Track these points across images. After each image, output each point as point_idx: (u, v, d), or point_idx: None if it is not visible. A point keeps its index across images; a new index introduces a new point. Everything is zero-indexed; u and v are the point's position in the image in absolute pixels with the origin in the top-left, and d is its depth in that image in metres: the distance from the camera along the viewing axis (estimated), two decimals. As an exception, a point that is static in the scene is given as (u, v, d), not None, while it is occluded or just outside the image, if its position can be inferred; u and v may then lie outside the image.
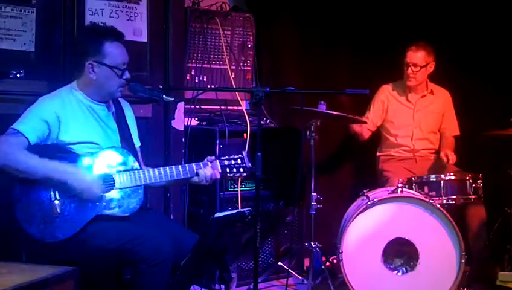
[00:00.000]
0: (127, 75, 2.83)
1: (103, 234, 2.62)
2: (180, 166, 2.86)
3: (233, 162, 2.96)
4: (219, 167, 2.93)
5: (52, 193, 2.61)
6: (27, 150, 2.60)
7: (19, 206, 2.56)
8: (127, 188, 2.74)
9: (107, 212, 2.69)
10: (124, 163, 2.78)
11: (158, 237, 2.62)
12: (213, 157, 2.93)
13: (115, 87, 2.82)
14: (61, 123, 2.70)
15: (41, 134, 2.67)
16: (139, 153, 3.02)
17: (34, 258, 2.60)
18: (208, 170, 2.87)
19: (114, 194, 2.72)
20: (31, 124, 2.65)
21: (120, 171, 2.74)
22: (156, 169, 2.82)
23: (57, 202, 2.60)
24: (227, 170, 2.94)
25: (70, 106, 2.77)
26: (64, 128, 2.71)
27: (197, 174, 2.87)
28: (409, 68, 4.18)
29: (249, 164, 2.95)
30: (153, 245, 2.56)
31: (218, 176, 2.91)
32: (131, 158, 2.82)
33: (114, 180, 2.72)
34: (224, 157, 2.97)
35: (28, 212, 2.56)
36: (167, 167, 2.84)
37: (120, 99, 2.98)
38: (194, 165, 2.88)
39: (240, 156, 2.97)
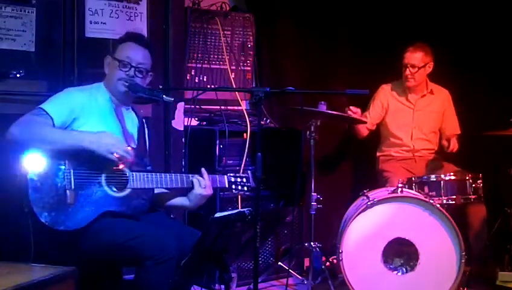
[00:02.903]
0: (130, 72, 2.85)
1: (111, 229, 2.64)
2: (189, 175, 2.91)
3: (239, 179, 3.07)
4: (226, 183, 3.01)
5: (67, 181, 2.61)
6: None
7: (33, 190, 2.55)
8: (139, 188, 2.77)
9: (117, 209, 2.71)
10: (139, 164, 2.82)
11: (164, 235, 2.63)
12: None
13: (116, 79, 2.85)
14: (85, 116, 2.75)
15: (65, 120, 2.70)
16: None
17: (42, 247, 2.58)
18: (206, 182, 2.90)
19: (126, 192, 2.75)
20: (59, 108, 2.69)
21: (135, 171, 2.77)
22: (167, 174, 2.87)
23: (71, 191, 2.61)
24: (233, 186, 3.05)
25: (96, 102, 2.83)
26: (86, 121, 2.75)
27: (192, 184, 2.88)
28: (407, 69, 4.18)
29: (253, 184, 3.05)
30: (160, 243, 2.57)
31: (210, 193, 2.93)
32: (146, 161, 2.88)
33: (128, 179, 2.75)
34: (232, 174, 3.07)
35: (42, 198, 2.55)
36: (178, 174, 2.89)
37: (144, 120, 3.06)
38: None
39: (246, 175, 3.09)
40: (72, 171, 2.62)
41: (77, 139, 2.63)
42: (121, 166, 2.70)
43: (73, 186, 2.62)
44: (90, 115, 2.77)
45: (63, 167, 2.62)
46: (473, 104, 4.44)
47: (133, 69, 2.85)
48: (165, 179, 2.83)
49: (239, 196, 3.89)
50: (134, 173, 2.76)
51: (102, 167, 2.69)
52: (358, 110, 4.11)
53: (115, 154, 2.65)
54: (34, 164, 2.57)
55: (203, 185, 2.87)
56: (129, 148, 2.72)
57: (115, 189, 2.72)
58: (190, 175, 2.90)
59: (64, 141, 2.61)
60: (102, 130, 2.71)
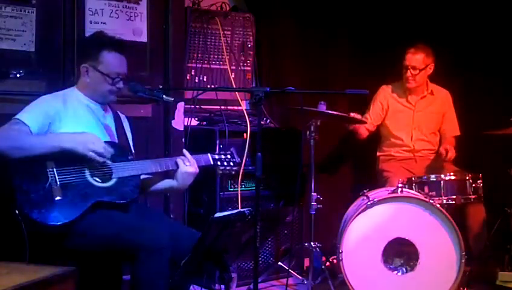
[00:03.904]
0: (120, 84, 2.91)
1: (103, 221, 2.67)
2: (173, 158, 2.97)
3: (223, 156, 3.11)
4: (211, 160, 3.05)
5: (52, 178, 2.65)
6: None
7: (20, 192, 2.59)
8: (124, 177, 2.81)
9: (106, 198, 2.74)
10: (121, 155, 2.86)
11: (156, 227, 2.68)
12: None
13: (107, 93, 2.91)
14: (61, 119, 2.79)
15: (42, 126, 2.73)
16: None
17: (37, 244, 2.60)
18: (190, 162, 2.94)
19: (112, 182, 2.78)
20: (33, 115, 2.73)
21: (117, 162, 2.82)
22: (151, 160, 2.92)
23: (57, 187, 2.64)
24: (219, 163, 3.08)
25: (71, 104, 2.86)
26: (63, 124, 2.79)
27: (177, 165, 2.92)
28: (408, 71, 4.17)
29: (238, 159, 3.13)
30: (152, 233, 2.61)
31: (196, 171, 2.96)
32: (127, 151, 2.93)
33: (112, 169, 2.79)
34: (215, 153, 3.12)
35: (30, 197, 2.59)
36: (161, 158, 2.97)
37: (119, 112, 3.09)
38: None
39: (229, 152, 3.14)
40: (55, 169, 2.67)
41: (55, 141, 2.67)
42: (101, 161, 2.73)
43: (58, 183, 2.66)
44: (66, 118, 2.80)
45: (46, 166, 2.66)
46: (473, 104, 4.44)
47: (121, 81, 2.91)
48: (149, 165, 2.89)
49: (239, 196, 3.90)
50: (117, 164, 2.81)
51: (84, 162, 2.73)
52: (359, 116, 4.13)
53: (92, 152, 2.69)
54: (17, 166, 2.61)
55: (187, 163, 2.93)
56: (106, 145, 2.76)
57: (100, 180, 2.75)
58: (173, 157, 2.96)
59: (42, 144, 2.65)
60: (81, 130, 2.75)
